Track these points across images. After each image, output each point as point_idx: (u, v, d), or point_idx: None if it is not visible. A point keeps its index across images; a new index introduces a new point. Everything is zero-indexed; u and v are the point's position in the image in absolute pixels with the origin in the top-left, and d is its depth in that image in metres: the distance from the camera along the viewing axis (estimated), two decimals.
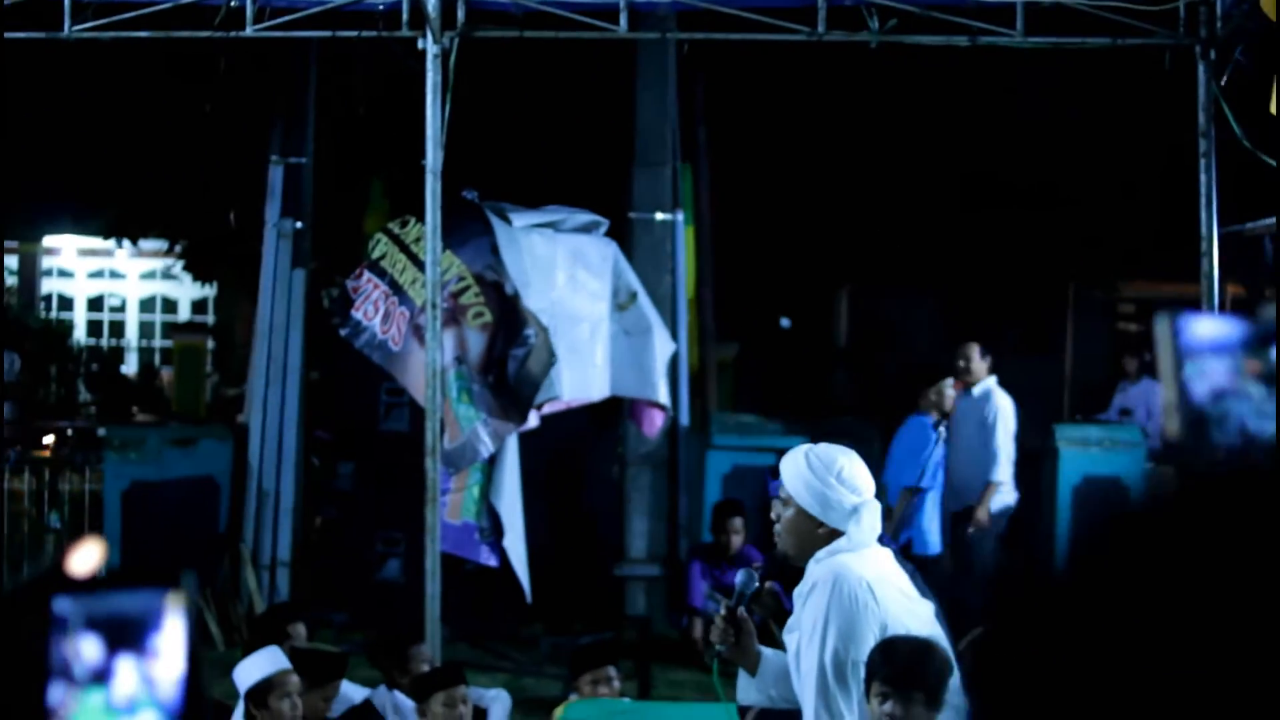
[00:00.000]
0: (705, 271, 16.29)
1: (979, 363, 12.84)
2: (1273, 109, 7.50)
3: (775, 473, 7.01)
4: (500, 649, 12.70)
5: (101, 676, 1.59)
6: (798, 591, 5.78)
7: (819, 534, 5.73)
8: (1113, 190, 22.38)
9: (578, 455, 13.29)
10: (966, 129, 21.49)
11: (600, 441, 13.60)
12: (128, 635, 1.59)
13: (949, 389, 11.88)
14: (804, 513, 5.76)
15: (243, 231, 17.34)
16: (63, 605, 1.58)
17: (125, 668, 1.59)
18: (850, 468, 5.79)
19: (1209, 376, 2.11)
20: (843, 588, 5.55)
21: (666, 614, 13.53)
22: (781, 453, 13.65)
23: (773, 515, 6.02)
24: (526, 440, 11.85)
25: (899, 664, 5.32)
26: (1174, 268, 25.39)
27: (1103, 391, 20.29)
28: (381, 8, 10.10)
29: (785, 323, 30.13)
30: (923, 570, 11.58)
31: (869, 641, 5.47)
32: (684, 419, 14.36)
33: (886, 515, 11.64)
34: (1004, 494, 12.57)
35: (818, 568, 5.70)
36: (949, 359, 12.95)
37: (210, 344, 26.58)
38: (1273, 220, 13.96)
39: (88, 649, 1.58)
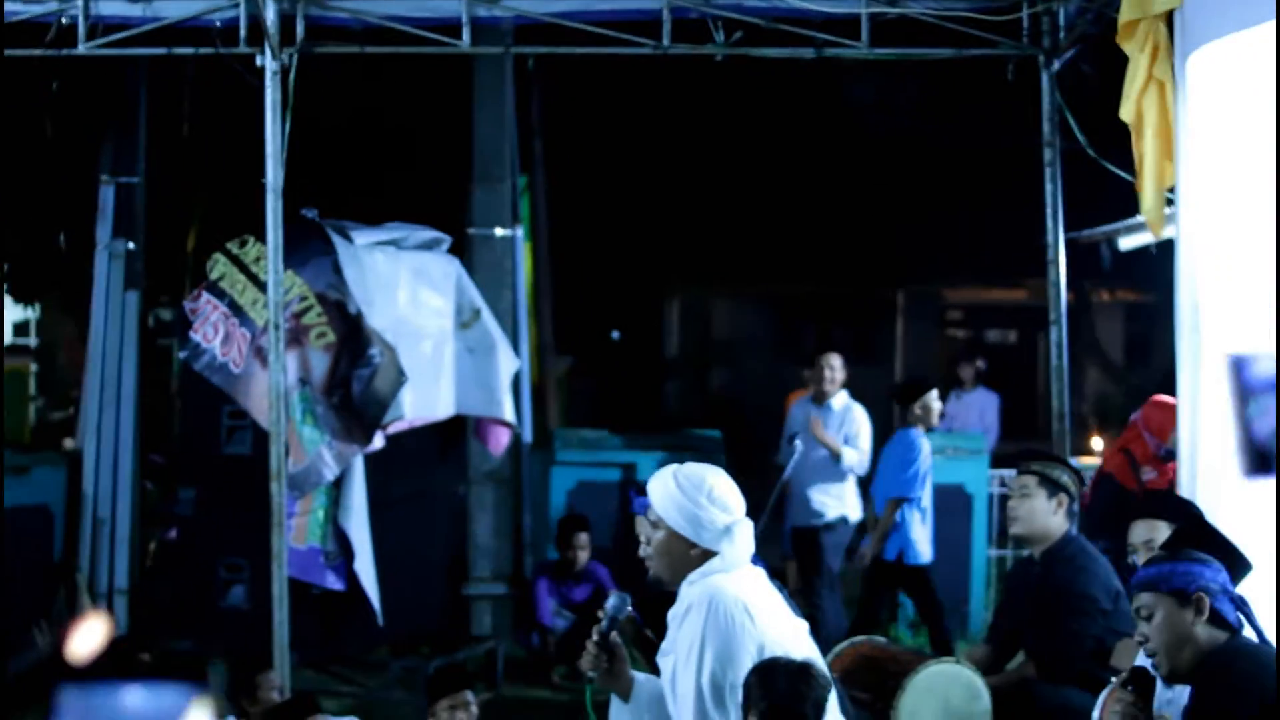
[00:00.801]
0: (543, 285, 16.22)
1: (841, 373, 12.81)
2: (1123, 115, 7.53)
3: (642, 489, 6.92)
4: (348, 674, 12.50)
5: None
6: (672, 614, 5.72)
7: (691, 555, 5.67)
8: (942, 197, 22.65)
9: (422, 474, 13.10)
10: (802, 139, 21.63)
11: (445, 460, 13.42)
12: None
13: (934, 402, 11.79)
14: (675, 534, 5.69)
15: (70, 252, 16.94)
16: (65, 709, 1.39)
17: None
18: (720, 487, 5.73)
19: (1269, 414, 2.10)
20: (719, 609, 5.50)
21: (514, 633, 13.41)
22: (626, 467, 13.61)
23: (641, 538, 5.93)
24: (371, 460, 11.68)
25: (778, 691, 5.25)
26: (1000, 273, 25.83)
27: None
28: (218, 24, 9.84)
29: (616, 335, 30.17)
30: (915, 580, 11.69)
31: (746, 663, 5.42)
32: (527, 435, 14.27)
33: (871, 525, 11.71)
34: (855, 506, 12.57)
35: (692, 590, 5.64)
36: (790, 368, 12.92)
37: (34, 367, 26.00)
38: (1110, 227, 14.21)
39: None
